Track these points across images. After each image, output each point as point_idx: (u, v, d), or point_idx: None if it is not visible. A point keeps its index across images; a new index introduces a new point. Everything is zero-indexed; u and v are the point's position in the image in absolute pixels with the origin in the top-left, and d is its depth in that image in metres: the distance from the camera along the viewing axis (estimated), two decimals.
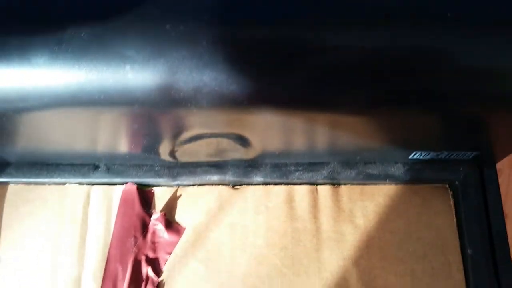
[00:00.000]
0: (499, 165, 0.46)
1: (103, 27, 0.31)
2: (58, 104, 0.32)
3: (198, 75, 0.30)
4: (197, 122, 0.35)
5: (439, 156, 0.42)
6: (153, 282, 0.41)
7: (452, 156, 0.42)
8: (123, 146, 0.41)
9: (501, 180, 0.47)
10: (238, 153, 0.41)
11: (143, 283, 0.41)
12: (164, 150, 0.40)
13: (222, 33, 0.30)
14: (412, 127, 0.37)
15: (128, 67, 0.30)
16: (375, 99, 0.32)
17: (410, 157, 0.42)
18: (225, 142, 0.39)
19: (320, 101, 0.32)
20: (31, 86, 0.32)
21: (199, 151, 0.40)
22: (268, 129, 0.37)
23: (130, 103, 0.32)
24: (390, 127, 0.37)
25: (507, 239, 0.42)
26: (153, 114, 0.34)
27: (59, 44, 0.30)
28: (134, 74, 0.31)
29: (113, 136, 0.39)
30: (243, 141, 0.38)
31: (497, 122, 0.37)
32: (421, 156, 0.42)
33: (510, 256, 0.42)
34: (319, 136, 0.39)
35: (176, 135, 0.37)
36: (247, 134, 0.38)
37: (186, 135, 0.37)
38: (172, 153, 0.40)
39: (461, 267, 0.42)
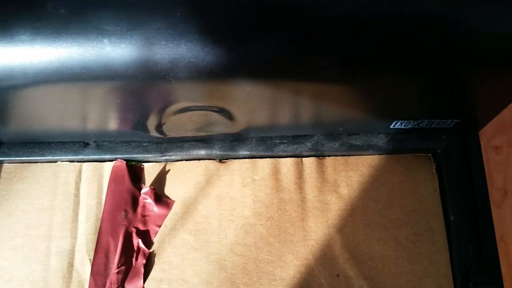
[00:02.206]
0: (497, 143, 0.47)
1: (81, 2, 0.31)
2: (42, 80, 0.33)
3: (174, 46, 0.31)
4: (178, 94, 0.36)
5: (420, 125, 0.42)
6: (144, 253, 0.42)
7: (433, 125, 0.43)
8: (110, 122, 0.42)
9: (500, 158, 0.48)
10: (223, 127, 0.42)
11: (134, 254, 0.42)
12: (150, 125, 0.41)
13: (197, 2, 0.31)
14: (392, 95, 0.38)
15: (106, 40, 0.31)
16: (353, 61, 0.33)
17: (391, 126, 0.43)
18: (208, 116, 0.40)
19: (297, 67, 0.33)
20: (15, 63, 0.33)
21: (185, 125, 0.41)
22: (249, 101, 0.38)
23: (110, 76, 0.33)
24: (370, 95, 0.38)
25: (490, 205, 0.43)
26: (134, 88, 0.35)
27: (40, 20, 0.31)
28: (112, 47, 0.32)
29: (100, 112, 0.40)
30: (226, 114, 0.39)
31: (477, 87, 0.38)
32: (402, 126, 0.43)
33: (492, 222, 0.43)
34: (301, 108, 0.40)
35: (159, 108, 0.38)
36: (229, 106, 0.38)
37: (169, 108, 0.38)
38: (158, 128, 0.42)
39: (444, 233, 0.43)
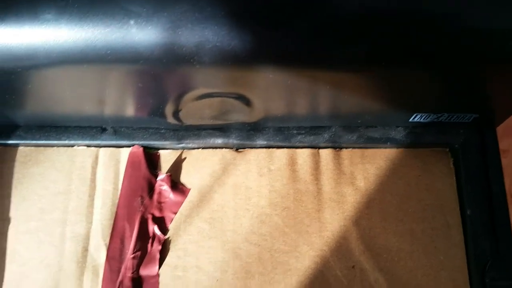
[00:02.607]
0: (504, 146, 0.46)
1: None
2: (66, 61, 0.33)
3: (200, 29, 0.31)
4: (200, 79, 0.36)
5: (439, 119, 0.42)
6: (159, 240, 0.42)
7: (452, 119, 0.42)
8: (129, 108, 0.42)
9: (507, 161, 0.48)
10: (241, 115, 0.42)
11: (150, 240, 0.42)
12: (168, 111, 0.41)
13: None
14: (412, 87, 0.38)
15: (132, 21, 0.31)
16: (375, 54, 0.33)
17: (410, 120, 0.43)
18: (227, 103, 0.40)
19: (321, 55, 0.33)
20: (39, 43, 0.33)
21: (203, 112, 0.41)
22: (270, 89, 0.37)
23: (135, 59, 0.33)
24: (390, 87, 0.38)
25: (506, 201, 0.43)
26: (157, 71, 0.35)
27: (66, 0, 0.31)
28: (138, 29, 0.31)
29: (119, 96, 0.40)
30: (245, 102, 0.39)
31: (496, 84, 0.38)
32: (422, 119, 0.42)
33: (509, 217, 0.42)
34: (320, 98, 0.40)
35: (180, 94, 0.38)
36: (249, 94, 0.38)
37: (189, 93, 0.38)
38: (176, 115, 0.41)
39: (460, 228, 0.43)
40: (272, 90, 0.38)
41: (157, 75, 0.35)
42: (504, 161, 0.45)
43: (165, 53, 0.32)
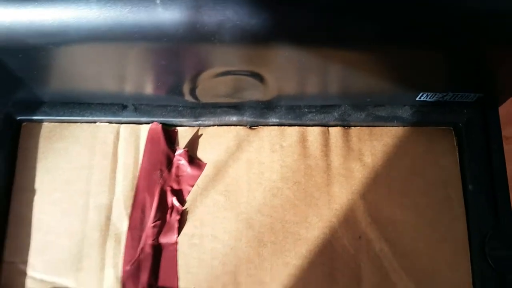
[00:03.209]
0: (507, 133, 0.49)
1: None
2: (95, 38, 0.36)
3: (221, 8, 0.33)
4: (220, 57, 0.38)
5: (445, 98, 0.45)
6: (177, 210, 0.45)
7: (456, 98, 0.45)
8: (149, 86, 0.44)
9: (509, 148, 0.50)
10: (255, 94, 0.44)
11: (169, 211, 0.45)
12: (186, 89, 0.43)
13: None
14: (419, 66, 0.40)
15: (158, 1, 0.33)
16: (386, 33, 0.35)
17: (417, 98, 0.45)
18: (243, 80, 0.42)
19: (336, 32, 0.35)
20: (71, 20, 0.35)
21: (219, 90, 0.43)
22: (285, 67, 0.40)
23: (160, 37, 0.35)
24: (399, 66, 0.40)
25: (506, 177, 0.45)
26: (179, 49, 0.37)
27: None
28: (163, 9, 0.34)
29: (141, 75, 0.42)
30: (260, 80, 0.41)
31: (499, 64, 0.40)
32: (428, 98, 0.45)
33: (508, 192, 0.45)
34: (332, 76, 0.42)
35: (198, 71, 0.40)
36: (264, 72, 0.41)
37: (208, 71, 0.40)
38: (194, 92, 0.44)
39: (462, 201, 0.45)
40: (287, 68, 0.40)
41: (179, 53, 0.37)
42: (507, 148, 0.47)
43: (188, 32, 0.34)
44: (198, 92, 0.44)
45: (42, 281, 0.43)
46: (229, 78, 0.42)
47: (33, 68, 0.41)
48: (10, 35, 0.35)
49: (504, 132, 0.47)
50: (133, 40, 0.35)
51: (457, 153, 0.46)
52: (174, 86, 0.43)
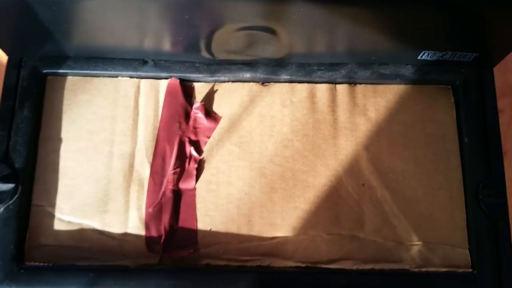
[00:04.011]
0: (500, 105, 0.52)
1: None
2: None
3: None
4: (239, 12, 0.41)
5: (444, 57, 0.48)
6: (195, 159, 0.48)
7: (455, 58, 0.48)
8: (169, 42, 0.47)
9: (502, 120, 0.54)
10: (268, 50, 0.47)
11: (187, 160, 0.48)
12: (204, 45, 0.46)
13: None
14: (421, 25, 0.43)
15: None
16: None
17: (418, 57, 0.48)
18: (259, 36, 0.45)
19: None
20: None
21: (235, 46, 0.46)
22: (298, 23, 0.43)
23: None
24: (403, 25, 0.43)
25: (499, 131, 0.49)
26: (202, 3, 0.40)
27: None
28: None
29: (162, 30, 0.45)
30: (274, 35, 0.45)
31: (495, 24, 0.43)
32: (428, 57, 0.48)
33: (500, 146, 0.49)
34: (340, 34, 0.45)
35: (217, 26, 0.43)
36: (279, 28, 0.44)
37: (226, 26, 0.43)
38: (210, 48, 0.47)
39: (458, 153, 0.49)
40: (300, 24, 0.43)
41: (201, 7, 0.40)
42: (499, 120, 0.51)
43: None
44: (214, 48, 0.47)
45: (69, 222, 0.47)
46: (244, 33, 0.45)
47: (63, 21, 0.43)
48: None
49: (498, 104, 0.50)
50: None
51: (454, 109, 0.50)
52: (192, 42, 0.46)
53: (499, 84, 0.51)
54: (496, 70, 0.50)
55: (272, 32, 0.44)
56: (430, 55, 0.48)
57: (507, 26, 0.43)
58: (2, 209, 0.46)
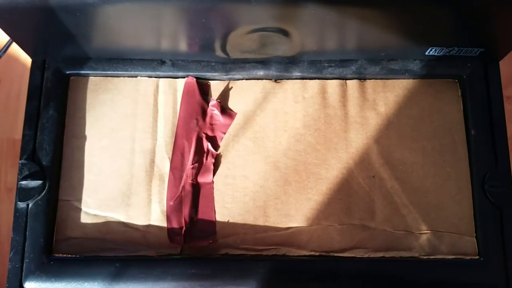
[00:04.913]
0: (509, 93, 0.53)
1: None
2: None
3: None
4: (254, 15, 0.43)
5: (450, 53, 0.50)
6: (212, 155, 0.50)
7: (461, 53, 0.50)
8: (186, 43, 0.49)
9: (510, 107, 0.55)
10: (281, 49, 0.49)
11: (205, 155, 0.50)
12: (219, 45, 0.48)
13: None
14: (428, 22, 0.45)
15: None
16: None
17: (426, 53, 0.50)
18: (272, 37, 0.47)
19: None
20: None
21: (249, 46, 0.48)
22: (310, 24, 0.45)
23: None
24: (411, 22, 0.45)
25: (505, 124, 0.51)
26: (219, 8, 0.42)
27: None
28: None
29: (180, 32, 0.47)
30: (287, 36, 0.46)
31: (500, 20, 0.45)
32: (436, 52, 0.50)
33: (506, 137, 0.50)
34: (351, 32, 0.47)
35: (233, 29, 0.45)
36: (292, 29, 0.46)
37: (241, 28, 0.45)
38: (225, 48, 0.49)
39: (465, 145, 0.51)
40: (312, 25, 0.45)
41: (218, 12, 0.42)
42: (509, 107, 0.52)
43: None
44: (229, 48, 0.49)
45: (95, 215, 0.50)
46: (258, 34, 0.47)
47: (86, 26, 0.46)
48: None
49: (506, 92, 0.52)
50: (180, 0, 0.40)
51: (461, 103, 0.52)
52: (208, 43, 0.48)
53: (507, 72, 0.52)
54: (504, 58, 0.52)
55: (285, 33, 0.46)
56: (437, 50, 0.49)
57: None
58: (31, 204, 0.48)
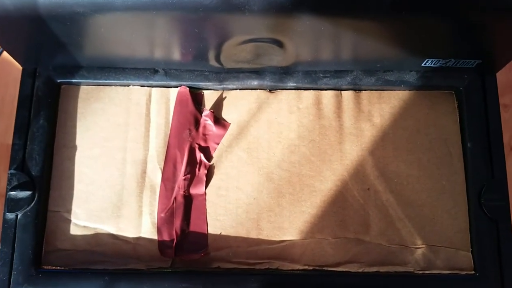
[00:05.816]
0: (506, 101, 0.53)
1: None
2: (138, 7, 0.40)
3: None
4: (247, 26, 0.42)
5: (447, 64, 0.49)
6: (205, 165, 0.50)
7: (458, 64, 0.49)
8: (180, 52, 0.48)
9: (508, 116, 0.55)
10: (275, 59, 0.49)
11: (197, 166, 0.50)
12: (213, 55, 0.48)
13: None
14: (425, 34, 0.44)
15: None
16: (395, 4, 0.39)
17: (422, 64, 0.49)
18: (265, 47, 0.46)
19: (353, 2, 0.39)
20: None
21: (243, 56, 0.48)
22: (304, 35, 0.44)
23: (196, 7, 0.39)
24: (407, 34, 0.44)
25: (502, 136, 0.50)
26: (212, 19, 0.41)
27: None
28: None
29: (173, 42, 0.46)
30: (281, 47, 0.46)
31: (497, 32, 0.44)
32: (432, 64, 0.49)
33: (503, 150, 0.50)
34: (346, 44, 0.46)
35: (226, 39, 0.44)
36: (286, 39, 0.45)
37: (234, 39, 0.44)
38: (219, 58, 0.48)
39: (461, 157, 0.50)
40: (306, 36, 0.44)
41: (211, 22, 0.42)
42: (505, 115, 0.52)
43: (222, 2, 0.39)
44: (223, 58, 0.49)
45: (85, 227, 0.49)
46: (252, 45, 0.46)
47: (77, 35, 0.45)
48: (62, 5, 0.40)
49: (503, 100, 0.51)
50: (171, 10, 0.40)
51: (457, 114, 0.51)
52: (202, 52, 0.48)
53: (504, 80, 0.51)
54: None
55: (279, 43, 0.45)
56: (433, 62, 0.49)
57: (508, 34, 0.44)
58: (20, 215, 0.47)
